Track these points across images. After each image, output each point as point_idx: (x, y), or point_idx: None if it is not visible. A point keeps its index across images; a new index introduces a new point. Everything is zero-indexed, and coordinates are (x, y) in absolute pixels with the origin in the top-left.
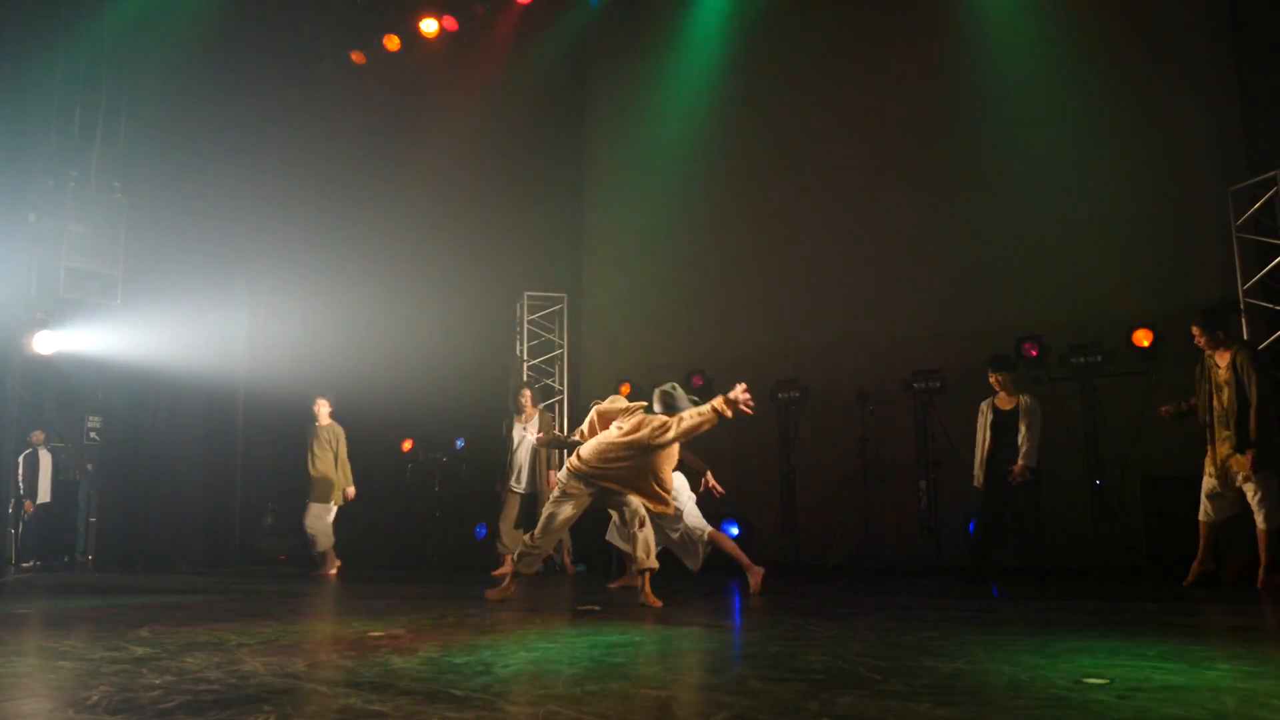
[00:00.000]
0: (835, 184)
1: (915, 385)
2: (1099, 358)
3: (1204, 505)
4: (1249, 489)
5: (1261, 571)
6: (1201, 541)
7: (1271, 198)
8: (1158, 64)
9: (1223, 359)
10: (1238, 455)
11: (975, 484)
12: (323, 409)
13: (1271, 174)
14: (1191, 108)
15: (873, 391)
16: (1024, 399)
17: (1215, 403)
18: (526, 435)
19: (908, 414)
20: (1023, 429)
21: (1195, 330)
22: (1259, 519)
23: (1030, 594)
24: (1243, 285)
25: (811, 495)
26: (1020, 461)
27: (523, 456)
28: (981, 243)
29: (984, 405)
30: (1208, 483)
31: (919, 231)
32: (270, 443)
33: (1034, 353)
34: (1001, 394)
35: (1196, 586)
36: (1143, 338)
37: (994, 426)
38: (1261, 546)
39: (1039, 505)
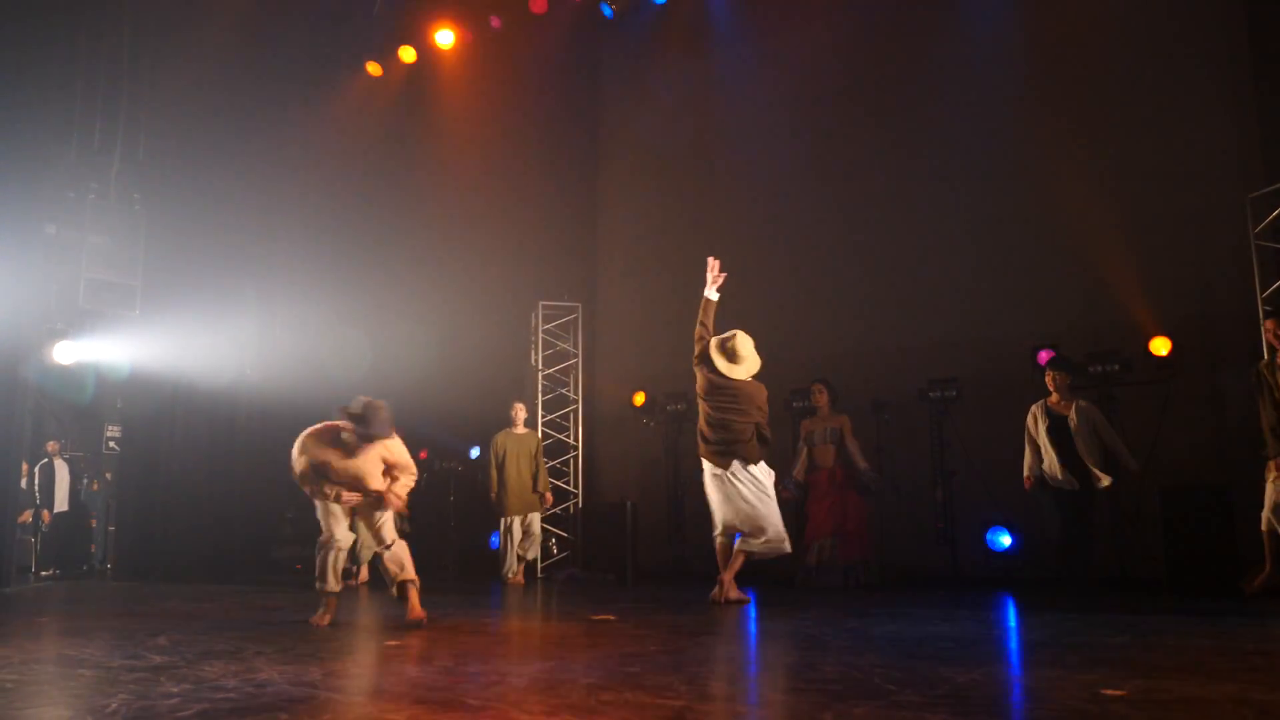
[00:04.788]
0: (851, 192)
1: (931, 394)
2: (1116, 366)
3: (1268, 515)
4: None
5: None
6: (1268, 552)
7: None
8: (1176, 71)
9: None
10: None
11: (1028, 485)
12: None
13: None
14: (1209, 115)
15: (888, 400)
16: (1081, 403)
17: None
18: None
19: (924, 423)
20: (1106, 434)
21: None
22: None
23: (1046, 605)
24: (1261, 293)
25: None
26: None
27: None
28: (998, 250)
29: (1038, 409)
30: (1273, 492)
31: (935, 239)
32: (285, 451)
33: None
34: (1055, 397)
35: (1259, 595)
36: (1160, 346)
37: (1051, 431)
38: None
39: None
